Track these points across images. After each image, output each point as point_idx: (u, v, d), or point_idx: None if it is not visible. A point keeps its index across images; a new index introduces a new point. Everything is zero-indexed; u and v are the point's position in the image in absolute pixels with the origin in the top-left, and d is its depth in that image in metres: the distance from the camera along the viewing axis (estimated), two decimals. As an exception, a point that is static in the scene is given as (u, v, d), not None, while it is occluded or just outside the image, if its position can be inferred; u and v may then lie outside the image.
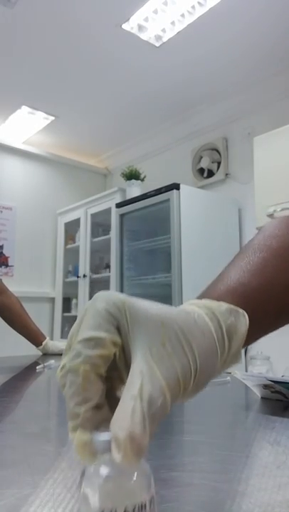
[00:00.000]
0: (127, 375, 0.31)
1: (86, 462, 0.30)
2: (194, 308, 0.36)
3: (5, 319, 1.75)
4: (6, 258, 3.79)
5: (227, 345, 0.35)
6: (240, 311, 0.37)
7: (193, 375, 0.32)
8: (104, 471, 0.28)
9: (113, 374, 0.33)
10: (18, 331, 1.74)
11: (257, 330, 0.39)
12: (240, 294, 0.39)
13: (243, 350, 2.26)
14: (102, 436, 0.29)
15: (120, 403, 0.30)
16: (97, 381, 0.31)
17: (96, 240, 3.71)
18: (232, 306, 0.37)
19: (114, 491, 0.28)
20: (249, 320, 0.37)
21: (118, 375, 0.34)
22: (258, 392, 0.87)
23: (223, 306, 0.37)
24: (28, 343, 1.74)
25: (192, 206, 2.79)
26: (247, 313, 0.37)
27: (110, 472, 0.28)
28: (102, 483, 0.28)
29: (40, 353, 1.72)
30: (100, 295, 0.34)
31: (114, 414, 0.30)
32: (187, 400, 0.35)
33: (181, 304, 0.41)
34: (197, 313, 0.35)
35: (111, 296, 0.33)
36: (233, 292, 0.39)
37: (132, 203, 3.09)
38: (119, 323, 0.32)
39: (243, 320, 0.37)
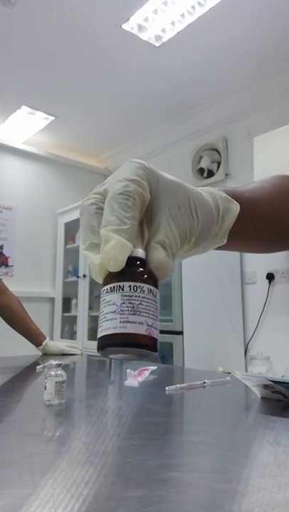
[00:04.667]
0: (145, 221, 0.41)
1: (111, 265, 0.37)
2: (202, 188, 0.46)
3: (5, 319, 1.75)
4: (6, 258, 3.79)
5: (220, 221, 0.45)
6: (234, 202, 0.47)
7: (195, 233, 0.43)
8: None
9: None
10: (18, 331, 1.74)
11: (241, 230, 0.48)
12: (237, 196, 0.48)
13: (243, 350, 2.29)
14: (140, 252, 0.38)
15: (149, 243, 0.40)
16: (138, 206, 0.39)
17: (96, 240, 3.70)
18: (228, 197, 0.47)
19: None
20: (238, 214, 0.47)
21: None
22: (258, 393, 0.87)
23: (223, 194, 0.46)
24: (28, 343, 1.74)
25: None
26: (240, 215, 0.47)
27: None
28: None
29: (40, 353, 1.72)
30: (134, 160, 0.42)
31: (148, 251, 0.39)
32: (187, 255, 0.47)
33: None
34: (203, 193, 0.44)
35: (144, 162, 0.42)
36: (230, 191, 0.49)
37: (132, 203, 3.08)
38: (150, 182, 0.40)
39: (235, 207, 0.46)
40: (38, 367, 1.33)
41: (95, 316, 3.58)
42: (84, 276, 3.67)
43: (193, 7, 2.26)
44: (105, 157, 4.34)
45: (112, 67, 2.82)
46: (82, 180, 4.34)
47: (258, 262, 2.86)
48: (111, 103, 3.30)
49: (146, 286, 0.36)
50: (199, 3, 2.24)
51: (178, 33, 2.45)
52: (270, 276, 2.78)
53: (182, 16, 2.32)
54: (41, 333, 1.75)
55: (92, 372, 1.51)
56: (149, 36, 2.49)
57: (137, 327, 0.34)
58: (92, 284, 3.70)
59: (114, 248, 0.36)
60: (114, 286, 0.36)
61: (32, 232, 3.99)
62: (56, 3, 2.25)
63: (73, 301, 3.87)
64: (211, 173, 3.26)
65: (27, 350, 1.80)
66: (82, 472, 0.48)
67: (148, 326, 0.34)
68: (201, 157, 3.33)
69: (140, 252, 0.38)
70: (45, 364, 1.29)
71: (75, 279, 3.79)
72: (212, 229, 0.45)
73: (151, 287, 0.36)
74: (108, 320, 0.34)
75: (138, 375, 1.08)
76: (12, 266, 3.80)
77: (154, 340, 0.35)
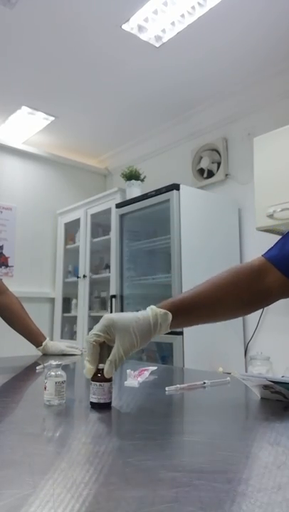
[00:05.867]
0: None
1: (88, 376, 0.82)
2: (149, 312, 0.85)
3: (5, 319, 1.75)
4: (6, 258, 3.79)
5: (159, 328, 0.84)
6: (169, 313, 0.85)
7: (137, 346, 0.82)
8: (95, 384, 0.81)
9: (104, 351, 0.82)
10: (18, 331, 1.74)
11: (177, 323, 0.86)
12: (173, 305, 0.87)
13: (243, 351, 2.35)
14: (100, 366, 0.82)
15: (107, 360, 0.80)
16: (97, 348, 0.81)
17: (96, 240, 3.71)
18: (165, 312, 0.85)
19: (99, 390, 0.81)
20: (173, 317, 0.85)
21: (107, 351, 0.82)
22: (257, 393, 0.87)
23: (162, 311, 0.85)
24: (28, 343, 1.74)
25: (192, 206, 2.79)
26: (173, 314, 0.85)
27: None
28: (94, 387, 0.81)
29: (40, 354, 1.72)
30: (104, 316, 0.84)
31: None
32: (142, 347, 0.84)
33: None
34: (146, 316, 0.84)
35: (108, 316, 0.83)
36: (172, 303, 0.87)
37: (132, 203, 3.09)
38: (108, 330, 0.81)
39: (169, 318, 0.84)
40: (38, 367, 1.33)
41: (94, 316, 3.58)
42: (84, 276, 3.67)
43: (193, 7, 2.26)
44: (105, 157, 4.34)
45: (112, 67, 2.83)
46: (82, 180, 4.34)
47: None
48: (111, 103, 3.30)
49: (100, 383, 0.81)
50: (199, 4, 2.24)
51: (178, 33, 2.45)
52: (270, 277, 2.78)
53: (182, 16, 2.32)
54: (41, 333, 1.75)
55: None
56: (149, 36, 2.49)
57: (98, 399, 0.80)
58: (92, 284, 3.70)
59: (87, 371, 0.81)
60: (91, 384, 0.82)
61: (32, 232, 3.99)
62: (56, 3, 2.25)
63: (73, 302, 3.87)
64: (211, 174, 3.26)
65: (27, 350, 1.80)
66: (82, 472, 0.48)
67: (102, 398, 0.80)
68: (201, 157, 3.33)
69: (103, 366, 0.82)
70: (45, 364, 1.29)
71: (75, 279, 3.79)
72: (151, 335, 0.83)
73: (103, 383, 0.81)
74: (91, 396, 0.81)
75: (138, 376, 1.08)
76: (12, 266, 3.80)
77: (107, 403, 0.81)
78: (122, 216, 3.18)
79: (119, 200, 3.37)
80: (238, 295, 0.91)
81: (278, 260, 0.91)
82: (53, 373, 0.83)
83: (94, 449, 0.58)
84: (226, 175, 3.18)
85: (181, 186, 2.74)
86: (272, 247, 0.96)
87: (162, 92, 3.13)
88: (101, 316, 0.85)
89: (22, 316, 1.75)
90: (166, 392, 0.96)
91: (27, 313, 1.77)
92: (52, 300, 4.03)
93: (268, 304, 0.98)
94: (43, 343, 1.71)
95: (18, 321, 1.74)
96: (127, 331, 0.80)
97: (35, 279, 3.96)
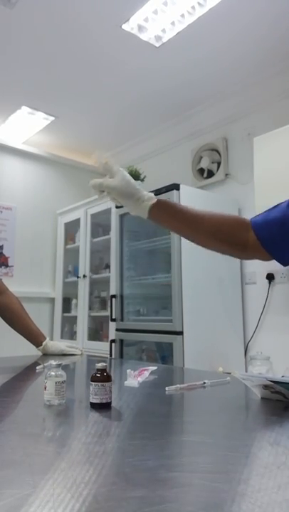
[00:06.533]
0: None
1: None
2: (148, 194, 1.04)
3: (5, 319, 1.75)
4: (6, 258, 3.79)
5: (142, 202, 1.02)
6: (155, 199, 1.03)
7: (127, 197, 1.03)
8: None
9: None
10: (18, 331, 1.74)
11: (158, 214, 1.03)
12: (161, 199, 1.04)
13: (243, 350, 2.36)
14: (105, 366, 0.87)
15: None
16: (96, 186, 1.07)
17: (96, 240, 3.71)
18: (154, 196, 1.03)
19: None
20: (156, 206, 1.03)
21: None
22: (257, 393, 0.87)
23: (152, 195, 1.03)
24: (28, 343, 1.75)
25: (192, 206, 2.78)
26: (157, 204, 1.03)
27: None
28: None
29: (40, 354, 1.72)
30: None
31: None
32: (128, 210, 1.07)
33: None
34: (141, 187, 1.04)
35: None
36: (161, 199, 1.04)
37: (132, 203, 3.08)
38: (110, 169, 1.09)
39: (152, 201, 1.02)
40: (38, 367, 1.33)
41: (94, 316, 3.58)
42: (84, 276, 3.67)
43: (193, 7, 2.26)
44: (105, 157, 4.33)
45: (112, 67, 2.82)
46: (82, 180, 4.34)
47: (258, 263, 2.86)
48: (111, 103, 3.30)
49: (101, 383, 0.82)
50: (199, 4, 2.24)
51: (178, 33, 2.45)
52: (270, 277, 2.78)
53: (182, 16, 2.32)
54: (41, 333, 1.75)
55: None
56: (149, 36, 2.49)
57: (98, 399, 0.82)
58: (92, 284, 3.70)
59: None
60: (92, 384, 0.83)
61: (32, 232, 3.99)
62: (56, 3, 2.25)
63: (73, 301, 3.87)
64: (211, 174, 3.26)
65: (27, 350, 1.80)
66: (82, 472, 0.48)
67: (102, 398, 0.82)
68: (201, 157, 3.33)
69: (104, 365, 0.85)
70: (45, 364, 1.29)
71: (75, 279, 3.79)
72: (133, 198, 1.01)
73: (104, 383, 0.82)
74: (91, 396, 0.82)
75: (138, 376, 1.08)
76: (12, 266, 3.80)
77: (107, 402, 0.82)
78: (122, 216, 3.18)
79: (119, 200, 3.36)
80: (218, 226, 1.06)
81: (258, 226, 1.03)
82: (53, 373, 0.83)
83: (94, 449, 0.58)
84: (226, 175, 3.18)
85: (181, 186, 2.74)
86: (260, 214, 1.06)
87: (162, 92, 3.13)
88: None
89: (22, 316, 1.75)
90: (166, 392, 0.96)
91: (27, 313, 1.77)
92: (52, 300, 4.03)
93: (242, 255, 1.14)
94: (43, 343, 1.71)
95: (18, 321, 1.74)
96: (124, 176, 1.03)
97: (35, 279, 3.96)
